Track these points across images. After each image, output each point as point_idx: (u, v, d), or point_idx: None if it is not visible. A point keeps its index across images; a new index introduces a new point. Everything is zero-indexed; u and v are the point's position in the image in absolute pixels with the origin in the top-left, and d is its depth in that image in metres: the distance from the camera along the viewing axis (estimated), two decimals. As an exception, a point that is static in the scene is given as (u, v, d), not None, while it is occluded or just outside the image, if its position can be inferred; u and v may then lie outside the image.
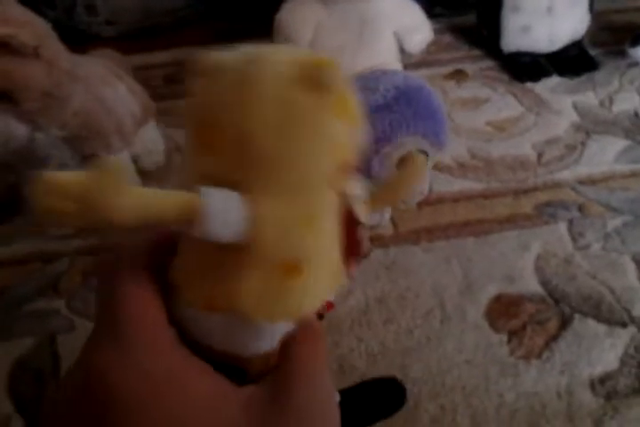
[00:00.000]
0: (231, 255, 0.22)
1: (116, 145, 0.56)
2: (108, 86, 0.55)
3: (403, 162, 0.32)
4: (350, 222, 0.25)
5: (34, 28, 0.42)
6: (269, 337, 0.24)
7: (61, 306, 0.57)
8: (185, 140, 0.25)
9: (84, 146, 0.52)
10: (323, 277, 0.24)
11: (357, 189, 0.25)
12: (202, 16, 0.98)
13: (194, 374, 0.22)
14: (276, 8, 0.76)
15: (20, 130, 0.44)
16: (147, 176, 0.66)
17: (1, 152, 0.45)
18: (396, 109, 0.50)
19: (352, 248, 0.26)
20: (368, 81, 0.51)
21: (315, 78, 0.22)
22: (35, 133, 0.46)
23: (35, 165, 0.52)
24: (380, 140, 0.49)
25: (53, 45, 0.44)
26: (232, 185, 0.22)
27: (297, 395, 0.22)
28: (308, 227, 0.23)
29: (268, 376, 0.24)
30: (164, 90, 0.79)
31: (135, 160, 0.63)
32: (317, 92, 0.22)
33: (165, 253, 0.24)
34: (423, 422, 0.48)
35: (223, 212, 0.21)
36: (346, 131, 0.23)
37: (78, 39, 0.49)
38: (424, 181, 0.61)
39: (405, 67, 0.78)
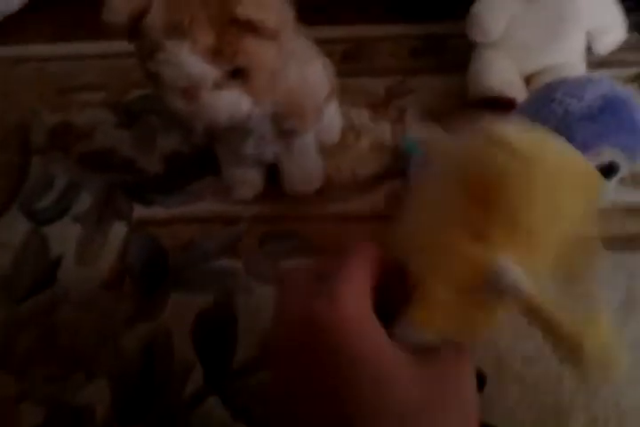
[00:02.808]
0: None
1: (311, 122, 0.58)
2: (309, 64, 0.58)
3: None
4: None
5: (280, 15, 0.45)
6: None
7: (239, 267, 0.59)
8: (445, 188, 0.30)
9: (284, 122, 0.55)
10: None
11: None
12: None
13: (380, 338, 0.28)
14: None
15: (246, 105, 0.48)
16: (322, 152, 0.66)
17: (223, 123, 0.48)
18: (600, 120, 0.49)
19: None
20: (573, 87, 0.50)
21: (585, 188, 0.29)
22: (254, 109, 0.49)
23: (239, 135, 0.56)
24: (579, 148, 0.47)
25: (289, 29, 0.47)
26: (482, 238, 0.28)
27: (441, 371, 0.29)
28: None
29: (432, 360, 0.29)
30: (341, 66, 0.71)
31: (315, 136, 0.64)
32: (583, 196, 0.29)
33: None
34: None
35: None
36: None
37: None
38: (609, 193, 0.58)
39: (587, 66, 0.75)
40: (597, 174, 0.31)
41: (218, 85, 0.45)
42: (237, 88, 0.47)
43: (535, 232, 0.28)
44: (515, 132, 0.29)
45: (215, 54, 0.43)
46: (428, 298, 0.29)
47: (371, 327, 0.29)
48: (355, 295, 0.29)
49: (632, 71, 0.79)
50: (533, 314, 0.27)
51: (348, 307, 0.28)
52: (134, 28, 0.43)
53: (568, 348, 0.26)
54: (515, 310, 0.28)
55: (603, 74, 0.77)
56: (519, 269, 0.27)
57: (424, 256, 0.30)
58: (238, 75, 0.46)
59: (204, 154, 0.67)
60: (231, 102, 0.47)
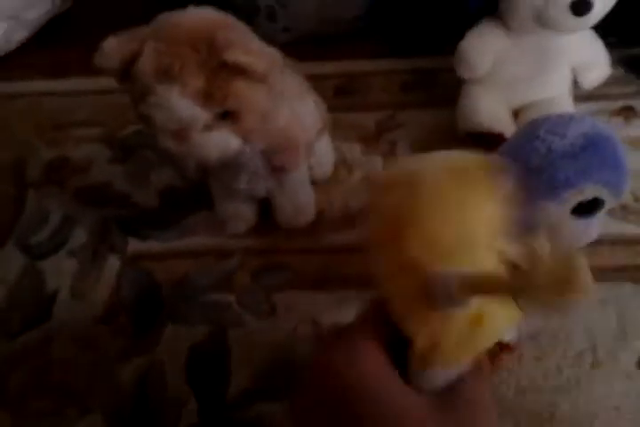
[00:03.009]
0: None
1: (302, 158, 0.60)
2: (301, 101, 0.60)
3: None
4: None
5: (268, 58, 0.47)
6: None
7: (232, 300, 0.60)
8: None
9: (276, 158, 0.57)
10: (499, 321, 0.31)
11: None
12: (376, 28, 0.98)
13: (395, 385, 0.31)
14: (450, 24, 0.78)
15: (235, 144, 0.50)
16: (314, 186, 0.67)
17: (214, 161, 0.50)
18: (582, 157, 0.49)
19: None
20: (556, 125, 0.51)
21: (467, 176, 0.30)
22: (244, 147, 0.51)
23: (231, 170, 0.57)
24: (562, 186, 0.49)
25: (277, 71, 0.49)
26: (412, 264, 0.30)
27: (463, 414, 0.31)
28: None
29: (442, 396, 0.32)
30: (333, 101, 0.75)
31: (308, 170, 0.66)
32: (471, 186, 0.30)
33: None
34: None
35: None
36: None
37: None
38: (594, 229, 0.58)
39: (573, 99, 0.77)
40: (486, 163, 0.32)
41: (208, 127, 0.47)
42: (227, 129, 0.48)
43: (444, 240, 0.30)
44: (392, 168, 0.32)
45: (205, 98, 0.44)
46: (416, 344, 0.32)
47: (387, 378, 0.31)
48: (370, 350, 0.32)
49: (618, 104, 0.81)
50: (476, 288, 0.28)
51: (365, 362, 0.31)
52: (126, 71, 0.44)
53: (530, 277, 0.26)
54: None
55: (589, 107, 0.79)
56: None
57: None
58: (228, 116, 0.47)
59: (198, 188, 0.68)
60: (221, 143, 0.48)
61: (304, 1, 0.92)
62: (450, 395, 0.32)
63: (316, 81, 0.65)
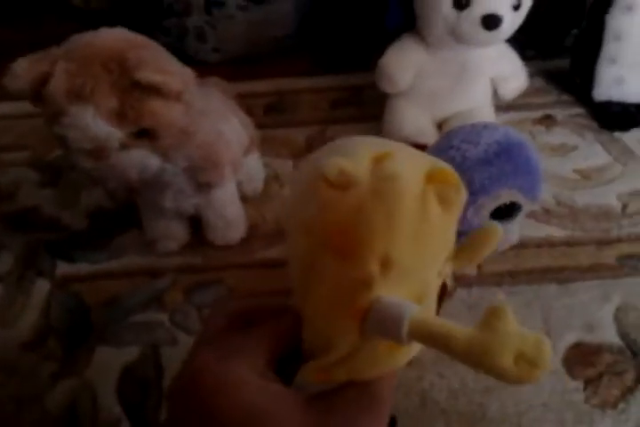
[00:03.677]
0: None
1: (228, 175, 0.60)
2: (225, 120, 0.61)
3: (479, 231, 0.36)
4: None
5: (181, 77, 0.47)
6: None
7: (165, 319, 0.60)
8: (307, 243, 0.28)
9: (201, 175, 0.57)
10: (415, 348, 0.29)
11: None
12: (304, 46, 1.01)
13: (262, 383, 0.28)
14: (375, 41, 0.78)
15: (154, 162, 0.50)
16: (246, 202, 0.68)
17: (134, 180, 0.50)
18: (496, 164, 0.51)
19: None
20: (470, 134, 0.53)
21: (444, 197, 0.27)
22: (164, 164, 0.52)
23: (156, 189, 0.58)
24: (478, 191, 0.51)
25: (192, 89, 0.49)
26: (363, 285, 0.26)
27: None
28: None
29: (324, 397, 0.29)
30: (264, 119, 0.81)
31: (237, 186, 0.66)
32: (445, 207, 0.27)
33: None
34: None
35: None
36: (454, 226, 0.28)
37: (186, 63, 0.50)
38: (514, 233, 0.61)
39: (496, 109, 0.79)
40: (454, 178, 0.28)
41: (125, 145, 0.47)
42: (145, 147, 0.48)
43: (403, 262, 0.26)
44: (340, 161, 0.26)
45: (119, 117, 0.44)
46: (314, 363, 0.29)
47: (255, 383, 0.28)
48: (255, 363, 0.29)
49: (538, 114, 0.85)
50: (428, 339, 0.25)
51: (234, 365, 0.28)
52: (37, 93, 0.44)
53: (481, 366, 0.24)
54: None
55: (512, 117, 0.83)
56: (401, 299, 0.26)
57: (315, 325, 0.30)
58: (145, 135, 0.47)
59: (128, 208, 0.68)
60: (139, 161, 0.49)
61: (233, 22, 0.94)
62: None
63: (246, 99, 0.65)
